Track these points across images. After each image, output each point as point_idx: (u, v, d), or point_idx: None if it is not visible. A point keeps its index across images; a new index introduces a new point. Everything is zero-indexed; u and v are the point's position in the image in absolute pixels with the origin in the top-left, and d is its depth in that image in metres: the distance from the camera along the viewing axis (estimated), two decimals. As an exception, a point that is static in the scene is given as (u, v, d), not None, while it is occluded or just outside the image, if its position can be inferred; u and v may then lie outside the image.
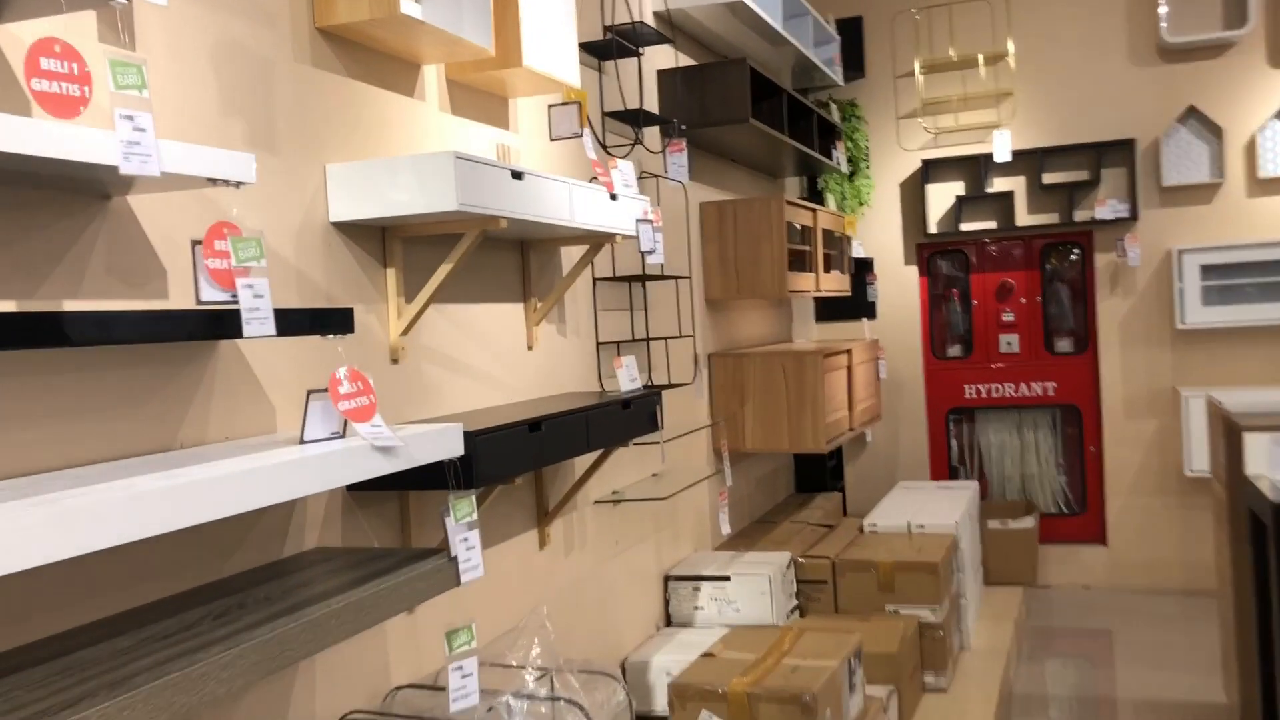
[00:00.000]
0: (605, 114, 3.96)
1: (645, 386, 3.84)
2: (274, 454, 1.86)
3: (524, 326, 3.35)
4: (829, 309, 6.82)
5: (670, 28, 4.66)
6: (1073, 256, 6.59)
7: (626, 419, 3.23)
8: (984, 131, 6.57)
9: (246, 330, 1.80)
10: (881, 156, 6.77)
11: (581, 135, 3.15)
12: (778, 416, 4.86)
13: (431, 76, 2.95)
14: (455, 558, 2.24)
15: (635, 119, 4.03)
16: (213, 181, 1.80)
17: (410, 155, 2.46)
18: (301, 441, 2.03)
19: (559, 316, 3.57)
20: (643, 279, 3.98)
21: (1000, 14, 6.53)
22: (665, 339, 4.16)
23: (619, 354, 3.96)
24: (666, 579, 4.34)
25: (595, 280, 3.83)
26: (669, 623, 4.34)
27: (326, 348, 2.49)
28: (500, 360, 3.21)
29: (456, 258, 2.62)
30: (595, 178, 3.19)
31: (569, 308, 3.65)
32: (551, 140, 3.19)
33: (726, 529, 4.25)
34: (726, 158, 5.35)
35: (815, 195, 6.58)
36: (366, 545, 2.59)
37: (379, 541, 2.64)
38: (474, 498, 2.28)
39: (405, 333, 2.71)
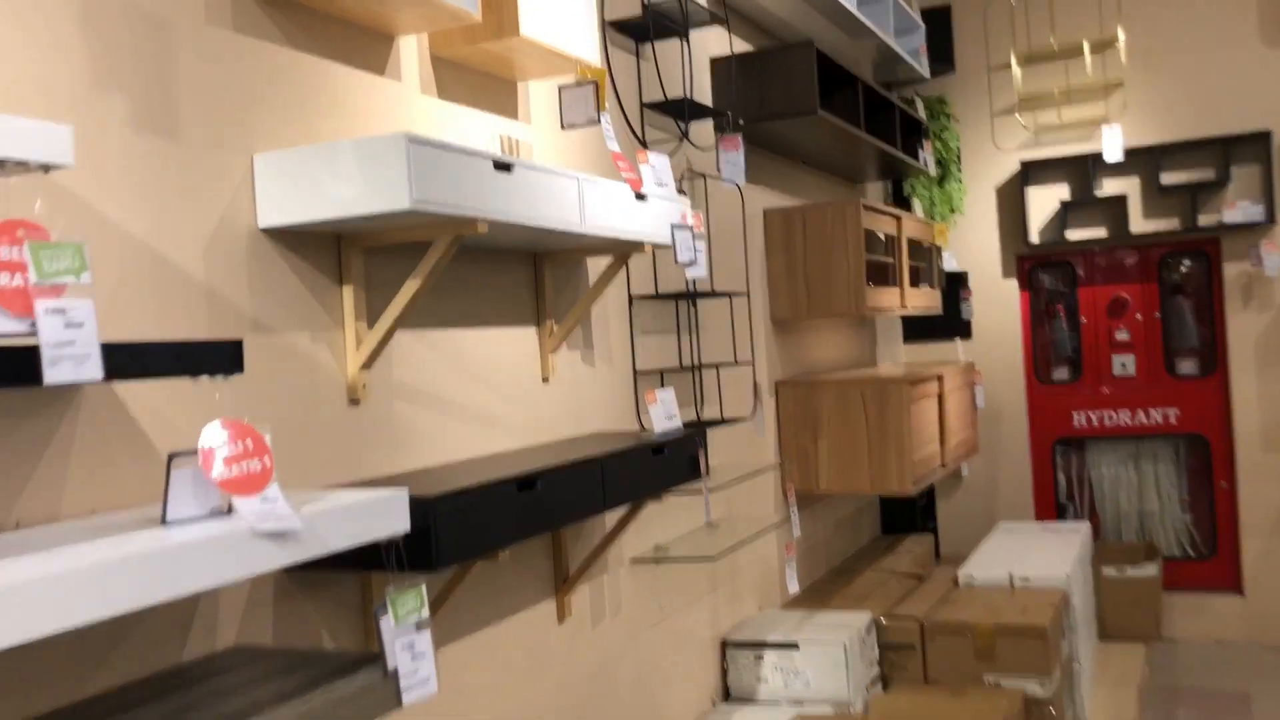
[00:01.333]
0: (645, 105, 3.39)
1: (689, 424, 3.26)
2: (94, 548, 1.32)
3: (538, 354, 2.79)
4: (918, 328, 6.15)
5: (725, 9, 4.08)
6: (1196, 266, 5.83)
7: (660, 466, 2.65)
8: (1091, 128, 5.85)
9: (51, 374, 1.26)
10: (975, 158, 6.09)
11: (599, 122, 2.59)
12: (856, 453, 4.22)
13: (410, 50, 2.41)
14: (395, 671, 1.67)
15: (679, 110, 3.45)
16: (2, 165, 1.27)
17: (354, 139, 1.91)
18: (163, 523, 1.48)
19: (584, 342, 3.00)
20: (690, 296, 3.39)
21: (1109, -5, 5.82)
22: (717, 366, 3.55)
23: (661, 385, 3.37)
24: (724, 644, 3.73)
25: (632, 299, 3.25)
26: (727, 696, 3.72)
27: (256, 384, 1.95)
28: (506, 396, 2.65)
29: (425, 272, 2.07)
30: (630, 175, 2.62)
31: (598, 331, 3.08)
32: (563, 128, 2.63)
33: (794, 587, 3.62)
34: (795, 158, 4.74)
35: (901, 202, 5.92)
36: (309, 639, 2.04)
37: (331, 633, 2.09)
38: (422, 590, 1.72)
39: (367, 365, 2.16)
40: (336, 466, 2.12)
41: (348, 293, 2.16)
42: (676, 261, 2.78)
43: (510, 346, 2.68)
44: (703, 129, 3.79)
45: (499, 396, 2.62)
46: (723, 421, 3.41)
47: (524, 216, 2.17)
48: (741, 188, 3.63)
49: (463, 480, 2.06)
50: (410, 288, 2.08)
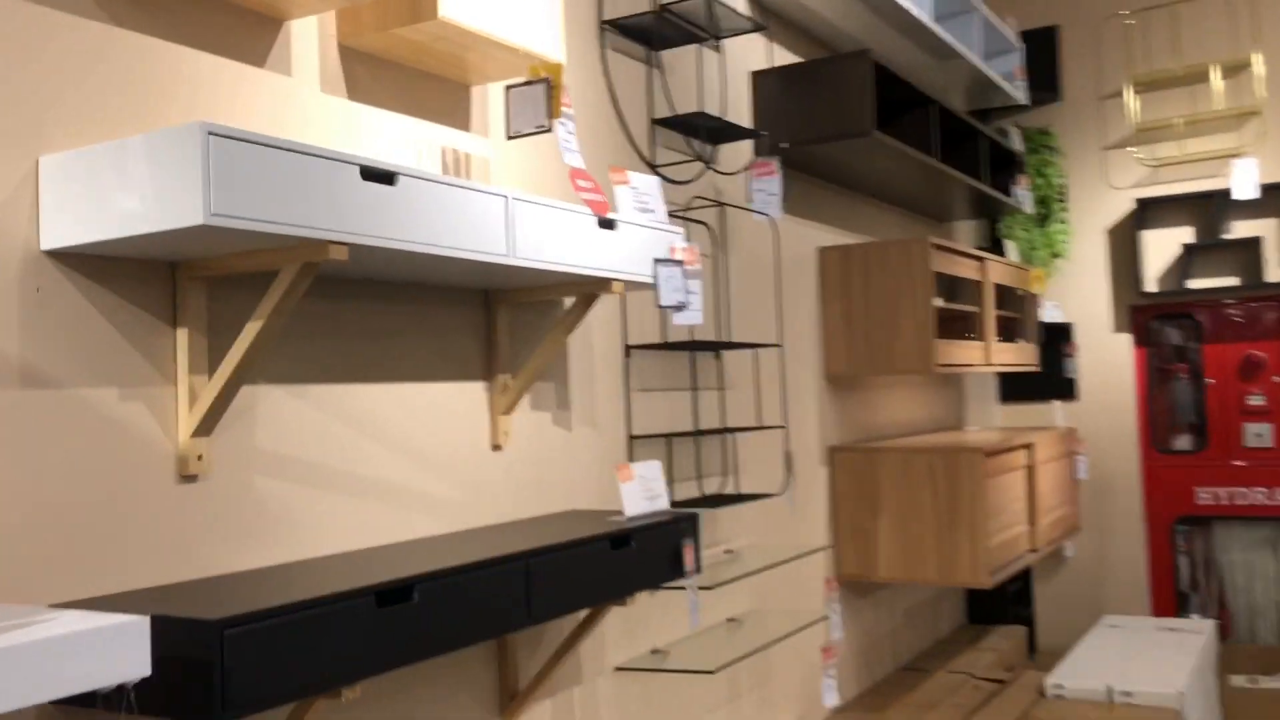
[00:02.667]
0: (655, 122, 2.87)
1: (689, 503, 2.70)
2: None
3: (486, 415, 2.27)
4: (1017, 387, 5.45)
5: (763, 13, 3.55)
6: (1346, 321, 5.02)
7: (624, 562, 2.09)
8: (1219, 162, 5.11)
9: None
10: (1082, 196, 5.40)
11: (549, 128, 2.07)
12: (922, 535, 3.59)
13: (308, 38, 1.94)
14: None
15: (693, 129, 2.92)
16: None
17: (147, 133, 1.44)
18: None
19: (557, 401, 2.47)
20: (707, 347, 2.84)
21: (1242, 11, 5.09)
22: (726, 431, 2.98)
23: (669, 453, 2.82)
24: (749, 764, 3.12)
25: (629, 349, 2.72)
26: (751, 827, 3.11)
27: (23, 455, 1.48)
28: (437, 468, 2.14)
29: (269, 310, 1.58)
30: (591, 196, 2.10)
31: (579, 388, 2.55)
32: (508, 137, 2.12)
33: (831, 700, 3.01)
34: (863, 192, 4.15)
35: (996, 245, 5.26)
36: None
37: (132, 780, 1.59)
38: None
39: (204, 430, 1.67)
40: (155, 563, 1.63)
41: (182, 337, 1.68)
42: (659, 305, 2.24)
43: (445, 406, 2.17)
44: (740, 154, 3.25)
45: (426, 469, 2.11)
46: (738, 499, 2.84)
47: (414, 242, 1.67)
48: (775, 221, 3.09)
49: (317, 584, 1.55)
50: (251, 331, 1.59)
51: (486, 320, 2.29)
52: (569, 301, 2.48)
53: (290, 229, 1.48)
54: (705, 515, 2.99)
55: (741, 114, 3.32)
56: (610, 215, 2.13)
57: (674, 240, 2.33)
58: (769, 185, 3.08)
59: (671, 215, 2.87)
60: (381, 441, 2.02)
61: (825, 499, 3.68)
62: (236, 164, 1.41)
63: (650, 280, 2.23)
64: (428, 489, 2.11)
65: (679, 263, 2.31)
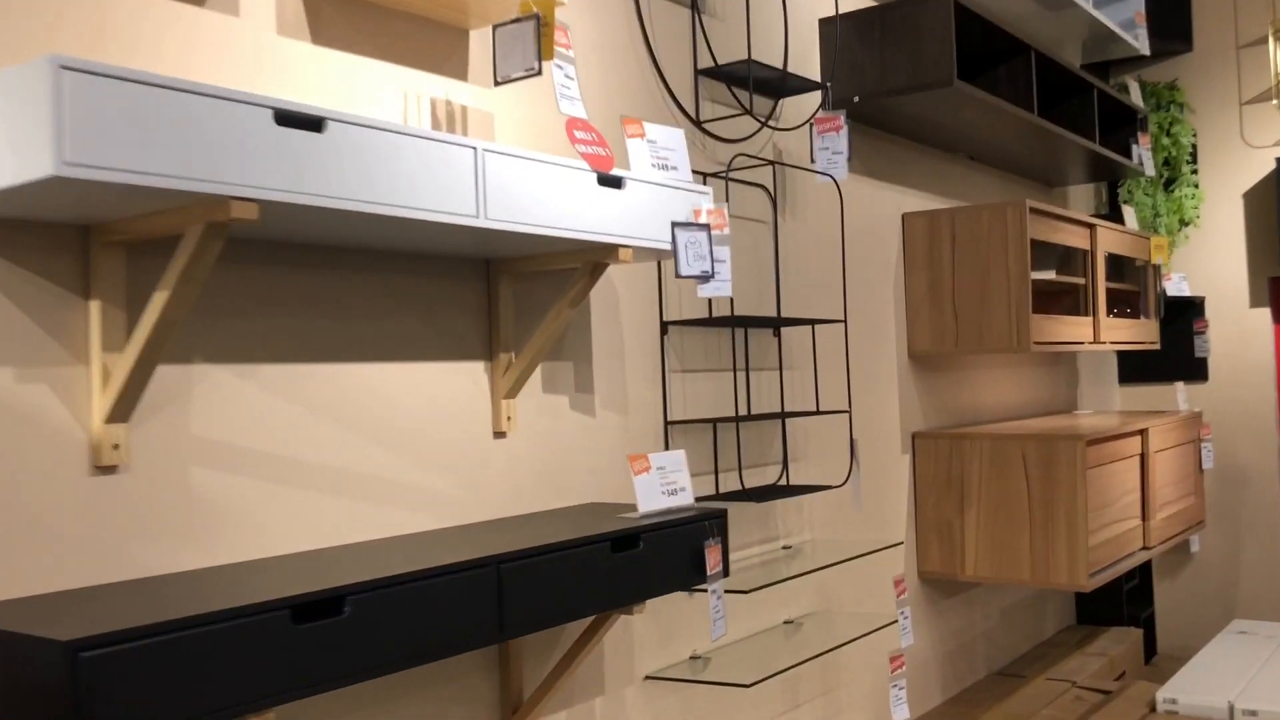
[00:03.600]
0: (699, 72, 2.59)
1: (725, 495, 2.44)
2: None
3: (487, 398, 2.04)
4: (1139, 368, 4.99)
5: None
6: None
7: (631, 565, 1.84)
8: (1376, 115, 4.56)
9: None
10: (1215, 158, 4.89)
11: (539, 71, 1.82)
12: (1015, 530, 3.24)
13: (261, -24, 1.73)
14: None
15: (740, 80, 2.62)
16: None
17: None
18: None
19: (576, 383, 2.23)
20: (762, 323, 2.56)
21: (1402, -56, 4.52)
22: (789, 416, 2.69)
23: (715, 439, 2.55)
24: (810, 780, 2.85)
25: (665, 326, 2.45)
26: None
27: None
28: (426, 458, 1.92)
29: (175, 279, 1.37)
30: (589, 149, 1.84)
31: (605, 369, 2.30)
32: (496, 83, 1.88)
33: (902, 715, 2.71)
34: (958, 153, 3.79)
35: (1118, 213, 4.81)
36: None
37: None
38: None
39: (117, 415, 1.48)
40: (66, 564, 1.45)
41: (95, 311, 1.49)
42: (678, 274, 1.97)
43: (437, 389, 1.95)
44: (808, 111, 2.94)
45: (412, 459, 1.89)
46: (790, 491, 2.55)
47: (348, 199, 1.44)
48: (840, 183, 2.78)
49: (242, 592, 1.34)
50: (158, 302, 1.39)
51: (487, 293, 2.06)
52: (623, 271, 2.23)
53: (179, 182, 1.26)
54: (756, 509, 2.71)
55: (809, 66, 3.01)
56: (615, 172, 1.87)
57: (699, 201, 2.06)
58: (834, 143, 2.77)
59: (721, 177, 2.59)
60: (357, 429, 1.80)
61: (906, 489, 3.36)
62: (101, 105, 1.20)
63: (664, 246, 1.97)
64: (415, 481, 1.89)
65: (704, 227, 2.03)
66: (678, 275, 1.97)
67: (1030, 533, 3.21)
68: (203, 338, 1.61)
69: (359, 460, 1.81)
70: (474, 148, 1.62)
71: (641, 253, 2.00)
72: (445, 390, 1.96)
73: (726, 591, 2.30)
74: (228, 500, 1.63)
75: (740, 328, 2.66)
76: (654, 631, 2.39)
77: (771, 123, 2.83)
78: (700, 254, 2.02)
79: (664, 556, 1.92)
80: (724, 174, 2.57)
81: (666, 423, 2.45)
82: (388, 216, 1.50)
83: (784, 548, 2.81)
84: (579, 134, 1.84)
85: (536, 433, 2.13)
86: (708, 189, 2.09)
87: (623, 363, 2.35)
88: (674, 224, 1.98)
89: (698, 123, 2.58)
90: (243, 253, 1.67)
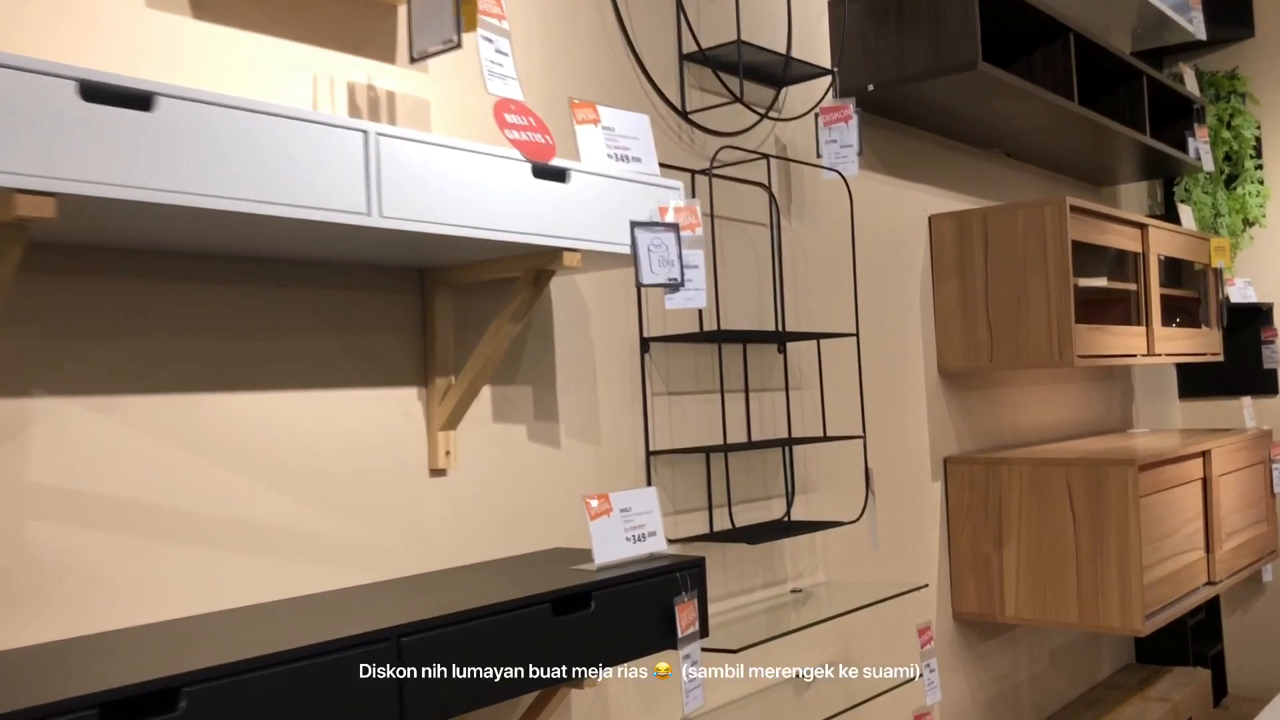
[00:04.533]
0: (684, 56, 2.30)
1: (718, 535, 2.15)
2: None
3: (421, 430, 1.76)
4: (1200, 381, 4.59)
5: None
6: None
7: (578, 630, 1.54)
8: None
9: None
10: (1282, 150, 4.49)
11: (458, 44, 1.54)
12: (1060, 567, 2.89)
13: (126, -63, 1.47)
14: None
15: (731, 64, 2.32)
16: None
17: None
18: None
19: (534, 411, 1.94)
20: (770, 339, 2.26)
21: None
22: (793, 443, 2.37)
23: (708, 470, 2.24)
24: None
25: (646, 342, 2.16)
26: None
27: None
28: (341, 500, 1.64)
29: (-34, 295, 1.10)
30: (522, 135, 1.55)
31: (572, 395, 2.01)
32: (412, 60, 1.60)
33: (928, 782, 2.38)
34: (994, 149, 3.45)
35: (1172, 212, 4.43)
36: None
37: None
38: None
39: (-76, 465, 1.21)
40: None
41: (-110, 334, 1.23)
42: (640, 283, 1.68)
43: (357, 420, 1.66)
44: (814, 98, 2.63)
45: (324, 503, 1.61)
46: (785, 528, 2.24)
47: (184, 192, 1.17)
48: (849, 179, 2.47)
49: (64, 678, 1.06)
50: (-53, 325, 1.12)
51: (422, 308, 1.78)
52: (585, 280, 1.94)
53: (-59, 172, 0.99)
54: (761, 548, 2.40)
55: (817, 50, 2.70)
56: (557, 162, 1.58)
57: (666, 198, 1.76)
58: (842, 134, 2.46)
59: (708, 174, 2.29)
60: (253, 470, 1.53)
61: (938, 521, 3.02)
62: None
63: (621, 249, 1.67)
64: (329, 530, 1.61)
65: (671, 227, 1.74)
66: (639, 284, 1.68)
67: (1078, 569, 2.86)
68: (45, 367, 1.35)
69: (255, 507, 1.53)
70: (364, 131, 1.34)
71: (596, 258, 1.71)
72: (368, 422, 1.68)
73: (711, 650, 1.99)
74: (77, 560, 1.35)
75: (736, 343, 2.35)
76: (634, 696, 2.09)
77: (774, 114, 2.53)
78: (666, 258, 1.72)
79: (624, 616, 1.62)
80: (710, 170, 2.27)
81: (649, 453, 2.15)
82: (242, 214, 1.22)
83: (793, 591, 2.49)
84: (510, 118, 1.55)
85: (485, 469, 1.85)
86: (677, 184, 1.79)
87: (593, 386, 2.05)
88: (633, 224, 1.69)
89: (683, 113, 2.29)
90: (99, 263, 1.40)
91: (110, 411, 1.40)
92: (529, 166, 1.55)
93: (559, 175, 1.59)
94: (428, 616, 1.36)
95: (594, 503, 1.69)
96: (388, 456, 1.70)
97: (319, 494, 1.60)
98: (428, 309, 1.77)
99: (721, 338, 2.21)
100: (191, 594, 1.46)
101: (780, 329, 2.41)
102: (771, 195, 2.49)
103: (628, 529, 1.74)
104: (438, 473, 1.77)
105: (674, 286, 1.73)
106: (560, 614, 1.52)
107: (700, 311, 2.28)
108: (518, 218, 1.52)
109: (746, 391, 2.39)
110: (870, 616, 2.71)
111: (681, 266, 1.74)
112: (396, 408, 1.72)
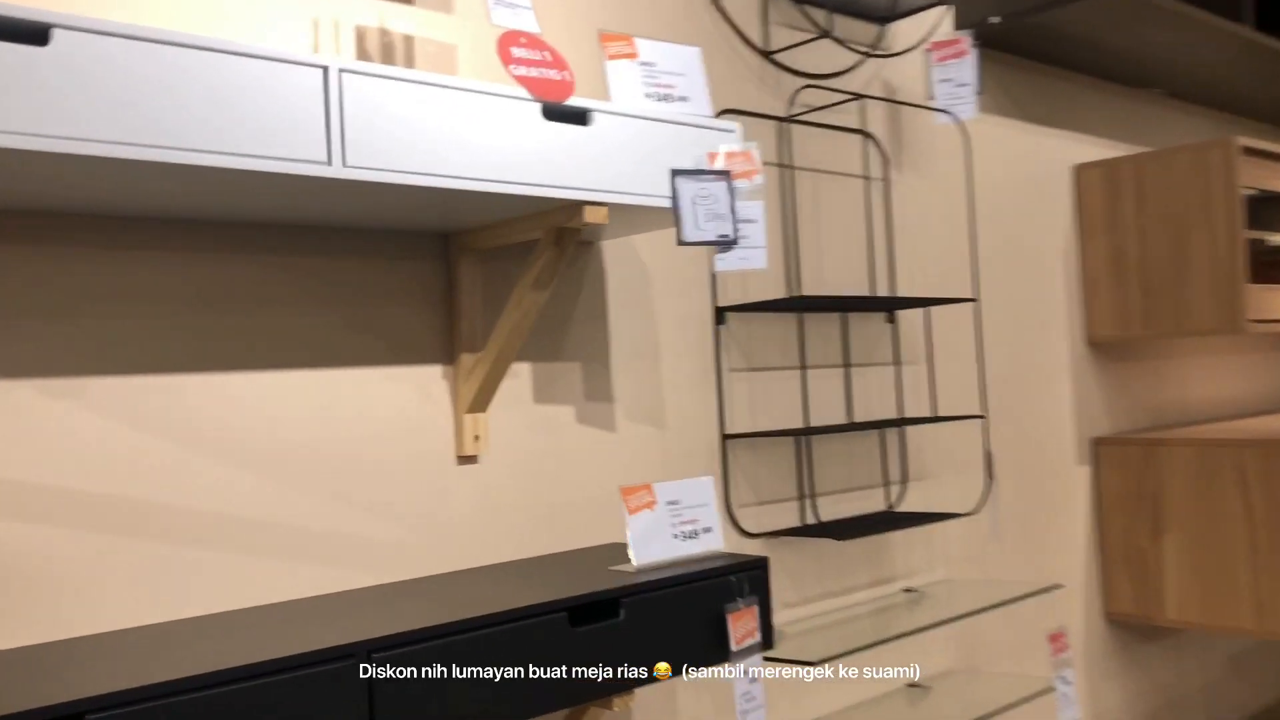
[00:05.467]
0: (768, -10, 2.04)
1: (812, 528, 1.91)
2: None
3: (448, 412, 1.57)
4: None
5: None
6: None
7: (605, 642, 1.33)
8: None
9: None
10: None
11: (451, -32, 1.33)
12: (1230, 563, 2.51)
13: None
14: None
15: (826, -8, 2.05)
16: None
17: None
18: None
19: (584, 391, 1.73)
20: (877, 306, 1.99)
21: None
22: (900, 424, 2.09)
23: (725, 469, 1.99)
24: None
25: (721, 311, 1.92)
26: None
27: None
28: (350, 493, 1.47)
29: None
30: (529, 71, 1.35)
31: (631, 372, 1.79)
32: (406, -7, 1.40)
33: (1063, 811, 2.07)
34: (1154, 89, 3.05)
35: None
36: None
37: None
38: None
39: None
40: None
41: None
42: (681, 240, 1.45)
43: (369, 403, 1.49)
44: (908, 30, 2.33)
45: (330, 496, 1.44)
46: (884, 521, 1.97)
47: (91, 139, 1.00)
48: (963, 122, 2.16)
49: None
50: None
51: (446, 276, 1.59)
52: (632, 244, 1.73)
53: None
54: (865, 542, 2.13)
55: (931, -19, 2.39)
56: (575, 102, 1.37)
57: (717, 142, 1.52)
58: (957, 71, 2.16)
59: (792, 121, 2.03)
60: (246, 458, 1.37)
61: (1084, 511, 2.68)
62: None
63: (656, 202, 1.44)
64: (334, 526, 1.45)
65: (722, 174, 1.50)
66: (680, 241, 1.45)
67: (1254, 567, 2.48)
68: (-12, 345, 1.21)
69: (248, 500, 1.37)
70: (323, 67, 1.15)
71: (632, 214, 1.48)
72: (384, 404, 1.51)
73: (783, 661, 1.75)
74: (33, 560, 1.22)
75: (831, 311, 2.09)
76: (707, 707, 1.86)
77: (877, 51, 2.24)
78: (715, 212, 1.49)
79: (663, 626, 1.40)
80: (794, 117, 2.01)
81: (724, 437, 1.91)
82: (166, 164, 1.05)
83: (905, 591, 2.22)
84: (519, 51, 1.34)
85: (522, 455, 1.65)
86: (732, 126, 1.55)
87: (656, 361, 1.83)
88: (674, 172, 1.45)
89: (765, 52, 2.03)
90: (39, 231, 1.26)
91: (71, 396, 1.25)
92: (538, 107, 1.33)
93: (578, 117, 1.37)
94: (406, 630, 1.17)
95: (632, 497, 1.48)
96: (405, 442, 1.52)
97: (322, 485, 1.44)
98: (452, 278, 1.58)
99: (814, 305, 1.95)
100: (172, 597, 1.31)
101: (890, 293, 2.13)
102: (876, 143, 2.21)
103: (675, 525, 1.52)
104: (466, 460, 1.58)
105: (725, 244, 1.49)
106: (580, 624, 1.32)
107: (790, 275, 2.02)
108: (524, 168, 1.31)
109: (847, 366, 2.12)
110: (1000, 619, 2.41)
111: (735, 220, 1.50)
112: (415, 387, 1.54)
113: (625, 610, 1.36)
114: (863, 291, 2.16)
